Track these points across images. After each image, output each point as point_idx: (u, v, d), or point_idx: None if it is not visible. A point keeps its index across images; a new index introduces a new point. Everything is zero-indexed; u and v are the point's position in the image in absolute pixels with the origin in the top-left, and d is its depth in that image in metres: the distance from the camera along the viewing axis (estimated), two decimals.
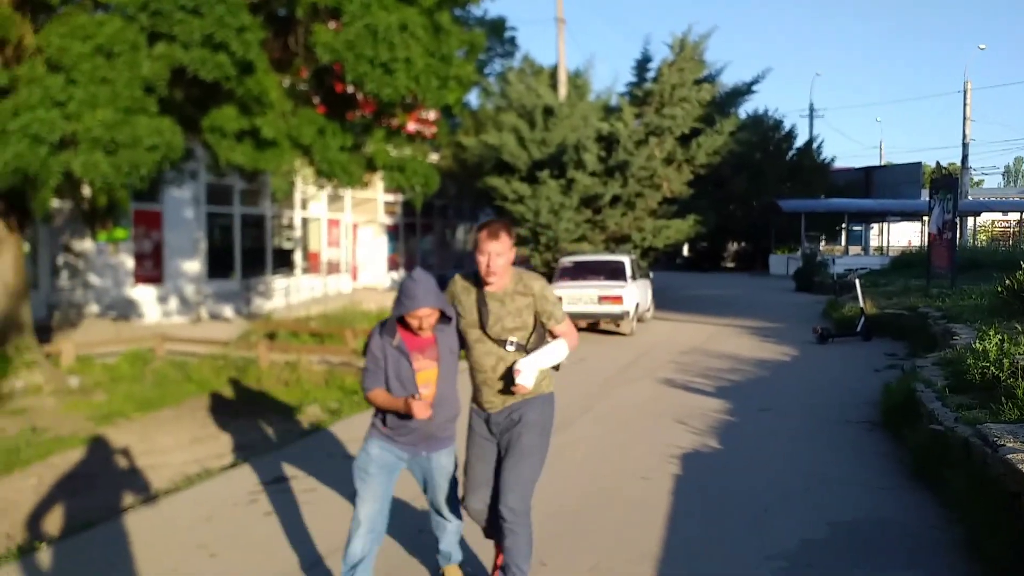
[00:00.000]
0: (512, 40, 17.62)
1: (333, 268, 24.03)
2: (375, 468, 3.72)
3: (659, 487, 5.86)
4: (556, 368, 3.85)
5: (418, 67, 8.65)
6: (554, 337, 3.74)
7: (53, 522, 6.25)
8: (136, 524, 5.46)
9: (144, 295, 17.62)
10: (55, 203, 9.75)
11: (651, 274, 17.57)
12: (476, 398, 3.84)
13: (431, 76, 8.75)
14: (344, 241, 24.53)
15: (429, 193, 10.58)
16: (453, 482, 3.95)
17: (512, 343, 3.64)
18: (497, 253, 3.53)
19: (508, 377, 3.61)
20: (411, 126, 11.55)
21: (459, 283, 3.81)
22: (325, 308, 19.22)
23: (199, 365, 12.03)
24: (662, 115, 17.75)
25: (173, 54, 7.74)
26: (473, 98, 21.08)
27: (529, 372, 3.54)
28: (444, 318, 3.64)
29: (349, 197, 24.20)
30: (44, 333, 13.19)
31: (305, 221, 22.88)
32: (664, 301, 19.77)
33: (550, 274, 16.72)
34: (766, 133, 37.26)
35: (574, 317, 14.43)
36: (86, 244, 15.98)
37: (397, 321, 3.60)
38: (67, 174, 7.79)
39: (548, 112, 18.54)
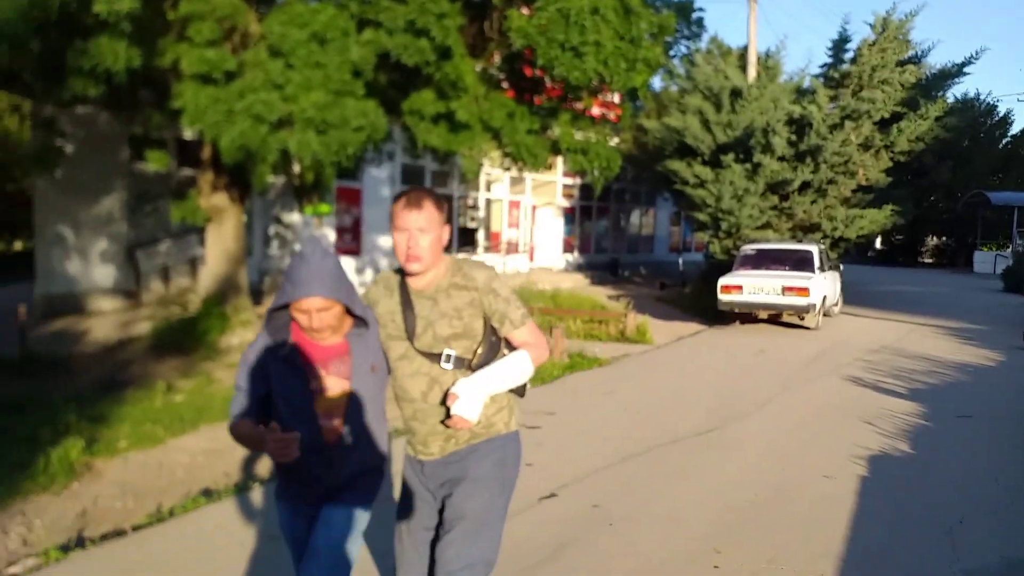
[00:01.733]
0: (699, 21, 17.17)
1: (512, 248, 24.64)
2: (297, 546, 2.68)
3: (843, 487, 5.64)
4: (520, 393, 2.78)
5: (607, 50, 8.71)
6: (512, 348, 2.70)
7: (264, 466, 6.92)
8: None
9: (344, 266, 18.92)
10: (270, 178, 10.63)
11: (841, 266, 16.67)
12: (408, 442, 2.82)
13: (619, 59, 8.77)
14: (523, 222, 25.07)
15: (610, 176, 10.63)
16: (339, 559, 2.58)
17: (449, 357, 2.61)
18: (420, 228, 2.55)
19: (445, 407, 2.61)
20: (595, 109, 11.62)
21: (380, 281, 2.81)
22: None
23: None
24: (860, 98, 16.69)
25: (379, 40, 8.24)
26: (656, 81, 20.85)
27: (471, 398, 2.52)
28: (360, 321, 2.60)
29: (529, 180, 24.70)
30: (256, 296, 14.53)
31: (488, 202, 23.60)
32: (853, 296, 18.71)
33: (730, 263, 16.28)
34: (976, 118, 34.10)
35: (752, 307, 14.23)
36: (294, 216, 17.34)
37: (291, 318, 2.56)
38: (283, 152, 8.51)
39: (736, 94, 17.97)
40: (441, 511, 2.75)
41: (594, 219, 28.51)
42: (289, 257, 17.99)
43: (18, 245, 32.06)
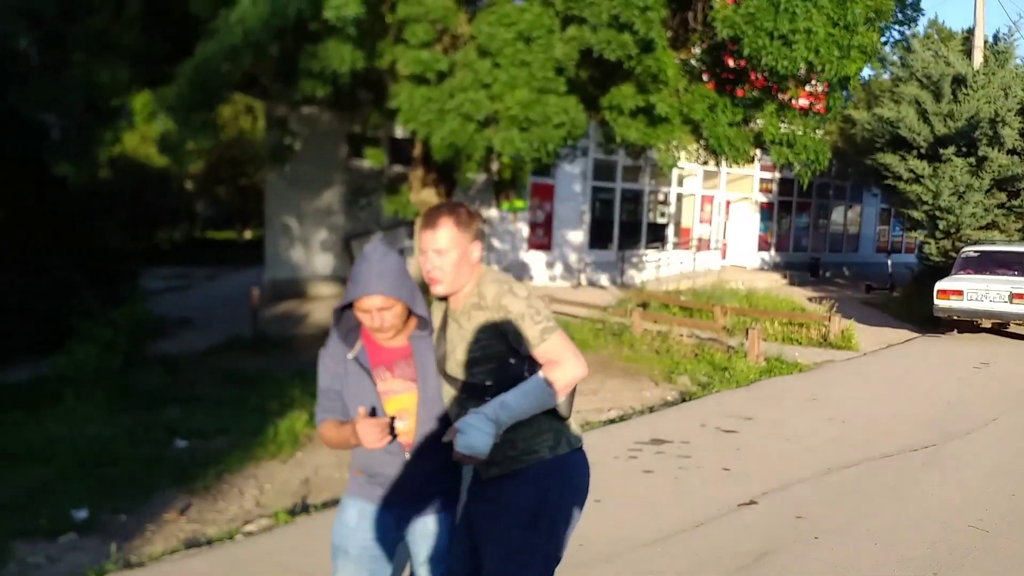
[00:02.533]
0: (915, 4, 15.89)
1: (703, 245, 24.06)
2: (355, 546, 2.61)
3: None
4: (562, 415, 2.51)
5: (819, 37, 8.29)
6: (535, 370, 2.44)
7: None
8: None
9: (534, 260, 19.36)
10: (474, 175, 11.06)
11: None
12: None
13: (832, 47, 8.32)
14: (716, 218, 24.40)
15: (819, 170, 10.11)
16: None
17: (467, 384, 2.47)
18: (437, 250, 2.41)
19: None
20: (802, 100, 11.10)
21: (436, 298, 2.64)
22: (693, 284, 19.36)
23: (580, 326, 12.94)
24: None
25: (582, 36, 8.34)
26: (865, 69, 19.52)
27: (472, 432, 2.32)
28: (420, 320, 2.55)
29: (724, 174, 23.98)
30: None
31: (680, 197, 23.19)
32: None
33: (947, 266, 14.98)
34: None
35: (973, 315, 12.99)
36: (491, 212, 17.93)
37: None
38: (487, 149, 8.83)
39: (958, 82, 16.46)
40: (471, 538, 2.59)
41: (793, 215, 27.21)
42: (485, 251, 18.63)
43: (248, 234, 35.50)
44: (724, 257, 24.76)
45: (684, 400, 8.75)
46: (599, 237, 20.76)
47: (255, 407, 7.67)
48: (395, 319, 2.45)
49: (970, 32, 18.48)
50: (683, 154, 11.08)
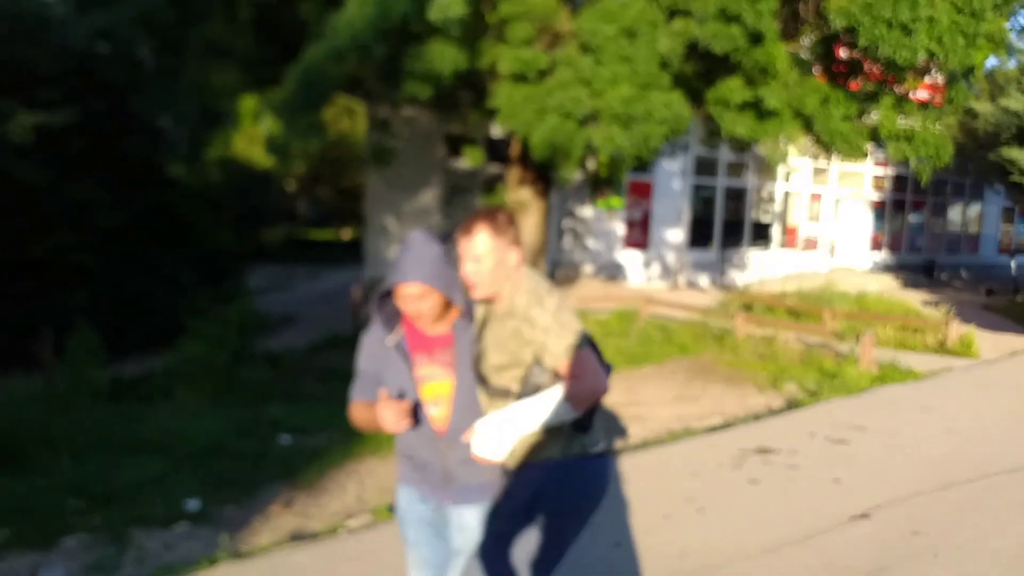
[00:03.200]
0: None
1: (810, 244, 23.15)
2: (410, 530, 2.73)
3: None
4: (582, 428, 2.57)
5: (942, 25, 7.79)
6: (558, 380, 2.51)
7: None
8: (632, 466, 5.98)
9: (631, 259, 19.06)
10: (574, 173, 10.95)
11: None
12: None
13: (956, 35, 7.80)
14: (825, 216, 23.44)
15: (940, 165, 9.52)
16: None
17: (494, 388, 2.53)
18: (475, 257, 2.46)
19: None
20: (921, 93, 10.48)
21: None
22: (799, 285, 18.64)
23: (679, 329, 12.64)
24: None
25: (688, 29, 8.11)
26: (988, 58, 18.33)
27: (490, 435, 2.44)
28: (463, 311, 2.58)
29: (835, 170, 23.01)
30: None
31: (786, 194, 22.40)
32: None
33: None
34: None
35: None
36: (587, 211, 17.78)
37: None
38: (587, 146, 8.70)
39: None
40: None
41: (907, 214, 25.88)
42: (580, 250, 18.48)
43: (346, 234, 36.48)
44: (833, 258, 23.76)
45: (791, 408, 8.39)
46: (699, 236, 20.25)
47: None
48: (432, 307, 2.48)
49: None
50: (792, 150, 10.64)
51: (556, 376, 2.49)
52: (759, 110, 8.89)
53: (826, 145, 9.41)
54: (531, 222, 11.50)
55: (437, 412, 2.55)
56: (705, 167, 19.91)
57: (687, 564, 4.30)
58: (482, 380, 2.56)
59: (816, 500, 5.34)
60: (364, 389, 2.60)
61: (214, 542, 4.80)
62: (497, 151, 15.02)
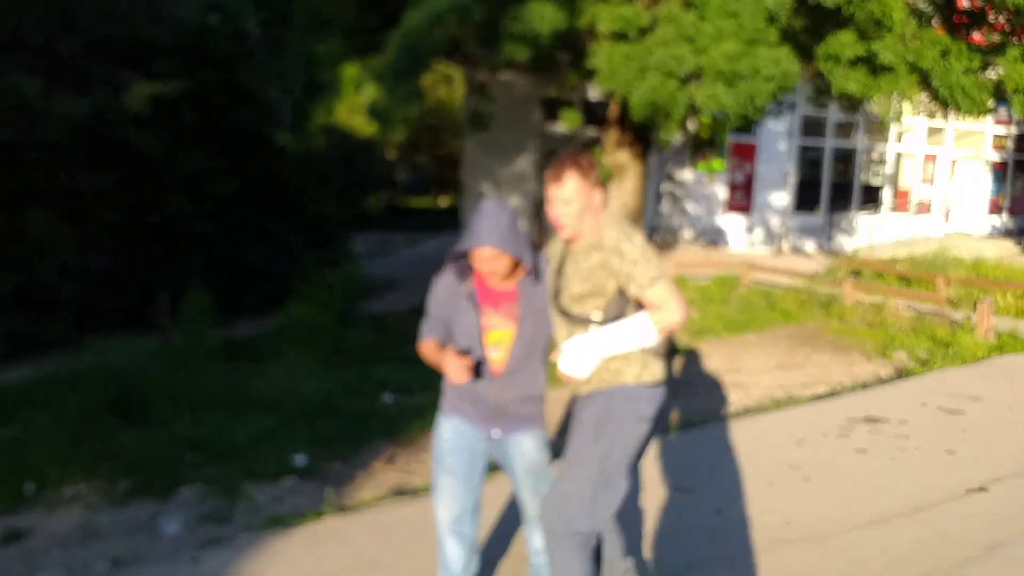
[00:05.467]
0: None
1: (923, 208, 21.98)
2: (450, 456, 2.98)
3: None
4: (664, 352, 2.83)
5: None
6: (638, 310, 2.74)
7: None
8: (734, 433, 5.88)
9: (732, 224, 18.58)
10: (675, 135, 10.71)
11: None
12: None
13: None
14: (941, 179, 22.18)
15: None
16: (542, 477, 3.01)
17: (574, 316, 2.78)
18: (564, 200, 2.72)
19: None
20: None
21: (559, 238, 2.92)
22: (911, 251, 17.77)
23: (783, 295, 12.27)
24: None
25: None
26: None
27: (574, 355, 2.71)
28: (529, 269, 2.87)
29: (951, 129, 21.68)
30: None
31: (898, 156, 21.29)
32: None
33: None
34: None
35: None
36: (686, 174, 17.40)
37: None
38: (689, 106, 8.47)
39: None
40: None
41: None
42: (679, 215, 18.11)
43: (444, 202, 36.93)
44: (948, 222, 22.52)
45: (901, 377, 8.05)
46: (805, 200, 19.53)
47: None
48: (504, 267, 2.81)
49: None
50: (907, 107, 10.07)
51: (638, 305, 2.76)
52: (872, 65, 8.42)
53: (945, 101, 8.85)
54: (629, 185, 11.34)
55: (497, 356, 2.89)
56: (812, 127, 19.12)
57: (792, 533, 4.20)
58: (562, 311, 2.82)
59: (928, 471, 5.12)
60: (434, 329, 2.95)
61: (320, 496, 5.01)
62: (594, 114, 14.82)
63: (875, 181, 21.14)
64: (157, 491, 5.00)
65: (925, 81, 8.67)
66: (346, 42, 9.54)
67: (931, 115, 10.08)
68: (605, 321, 2.75)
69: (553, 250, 2.95)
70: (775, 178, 18.85)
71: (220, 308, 8.35)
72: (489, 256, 2.75)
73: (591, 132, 15.60)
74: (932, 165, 22.01)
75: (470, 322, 2.89)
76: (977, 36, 9.60)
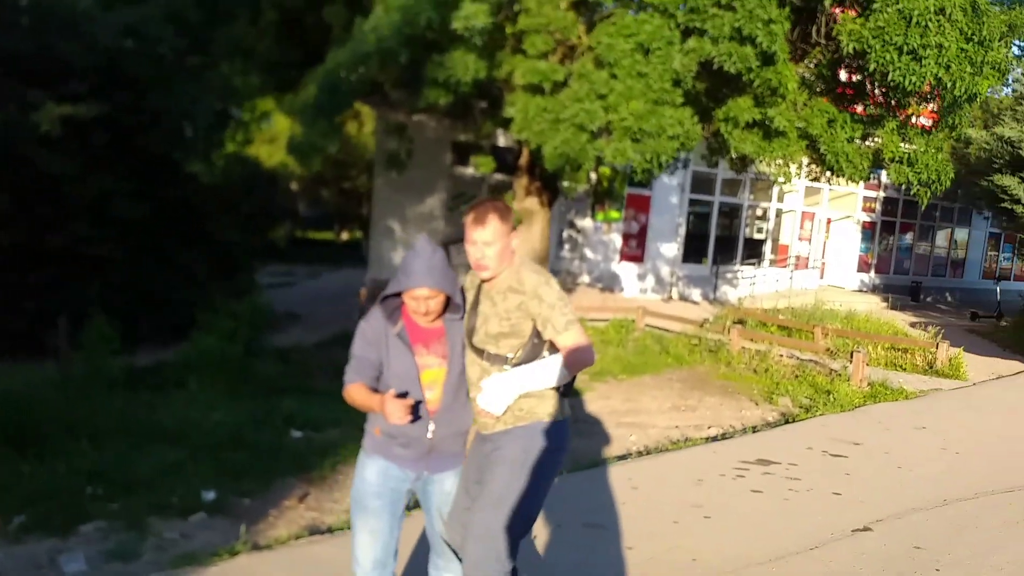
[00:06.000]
0: None
1: (801, 263, 23.44)
2: (374, 499, 2.98)
3: None
4: (565, 392, 2.99)
5: (950, 53, 8.02)
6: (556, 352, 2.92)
7: None
8: (637, 472, 6.14)
9: (626, 271, 19.25)
10: (584, 185, 11.11)
11: None
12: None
13: (964, 63, 8.04)
14: (816, 236, 23.75)
15: (941, 190, 9.76)
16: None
17: (489, 355, 2.90)
18: (485, 242, 2.83)
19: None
20: (923, 119, 10.73)
21: (472, 274, 3.05)
22: (789, 303, 18.88)
23: (675, 340, 12.83)
24: None
25: (703, 48, 8.30)
26: None
27: (494, 392, 2.83)
28: (454, 306, 2.93)
29: (827, 190, 23.32)
30: None
31: (779, 213, 22.68)
32: None
33: None
34: None
35: None
36: (586, 222, 17.97)
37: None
38: (597, 159, 8.86)
39: None
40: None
41: (896, 236, 26.24)
42: (579, 260, 18.64)
43: (345, 235, 36.57)
44: (822, 277, 24.07)
45: (787, 422, 8.57)
46: (693, 251, 20.48)
47: None
48: (438, 306, 2.87)
49: None
50: (794, 169, 10.85)
51: (551, 346, 2.92)
52: (767, 129, 9.09)
53: (830, 166, 9.63)
54: (536, 230, 11.66)
55: (431, 395, 2.92)
56: (702, 183, 20.14)
57: (698, 570, 4.44)
58: (477, 349, 2.92)
59: (818, 512, 5.50)
60: (362, 372, 2.91)
61: (231, 533, 4.91)
62: (503, 159, 15.18)
63: (758, 236, 22.42)
64: (56, 526, 4.79)
65: (813, 146, 9.42)
66: (265, 76, 9.51)
67: (815, 178, 10.88)
68: (521, 361, 2.89)
69: (468, 285, 3.06)
70: (667, 230, 19.69)
71: (120, 335, 8.03)
72: (426, 295, 2.81)
73: (499, 176, 15.99)
74: (809, 223, 23.56)
75: (405, 362, 2.89)
76: (859, 108, 10.49)
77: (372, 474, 2.97)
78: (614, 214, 17.57)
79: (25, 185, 9.12)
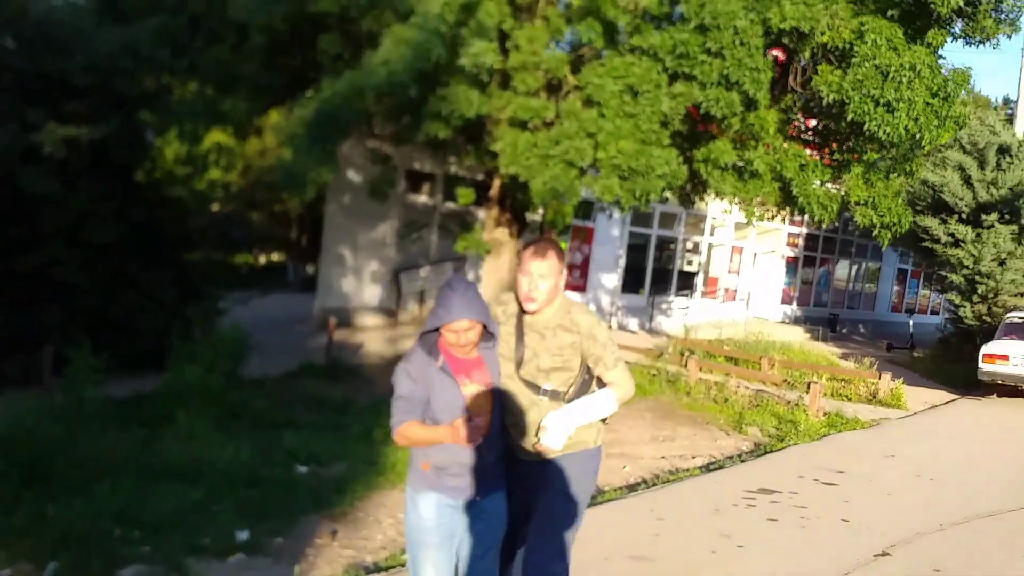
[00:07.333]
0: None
1: (729, 294, 24.34)
2: (433, 535, 3.02)
3: None
4: (604, 421, 3.22)
5: (918, 106, 8.64)
6: (602, 386, 3.14)
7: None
8: (653, 502, 6.29)
9: None
10: (569, 219, 11.29)
11: None
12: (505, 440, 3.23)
13: (931, 115, 8.67)
14: (744, 269, 24.72)
15: (900, 232, 10.42)
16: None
17: (546, 390, 3.07)
18: (541, 275, 2.99)
19: (537, 428, 3.08)
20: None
21: (501, 303, 3.23)
22: (720, 333, 19.57)
23: (634, 371, 13.08)
24: None
25: (691, 92, 8.64)
26: None
27: (558, 430, 3.00)
28: (488, 335, 3.04)
29: (754, 227, 24.32)
30: None
31: (710, 247, 23.52)
32: None
33: (992, 330, 15.24)
34: None
35: (1019, 380, 13.20)
36: None
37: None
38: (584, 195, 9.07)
39: (1003, 151, 16.94)
40: (523, 507, 3.15)
41: (816, 270, 27.57)
42: None
43: (263, 259, 35.54)
44: (748, 308, 25.03)
45: (765, 451, 8.90)
46: (632, 282, 21.01)
47: (360, 435, 7.78)
48: (476, 337, 2.98)
49: (1008, 102, 19.03)
50: (760, 210, 11.36)
51: (599, 381, 3.13)
52: (742, 171, 9.53)
53: (802, 208, 10.14)
54: (504, 261, 11.76)
55: (481, 420, 2.97)
56: (641, 217, 20.66)
57: None
58: (527, 383, 3.07)
59: (836, 539, 5.76)
60: (412, 411, 2.97)
61: (275, 573, 4.79)
62: (453, 190, 15.26)
63: (690, 268, 23.17)
64: (95, 572, 4.54)
65: (786, 188, 9.92)
66: (252, 100, 9.34)
67: (783, 219, 11.44)
68: (574, 396, 3.07)
69: (497, 316, 3.15)
70: (608, 261, 20.15)
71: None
72: (466, 327, 2.92)
73: (450, 205, 16.07)
74: (738, 257, 24.51)
75: (452, 394, 2.98)
76: (827, 154, 11.12)
77: (428, 509, 3.01)
78: (561, 244, 17.85)
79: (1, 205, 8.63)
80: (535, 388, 3.07)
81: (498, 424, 3.07)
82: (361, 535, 5.61)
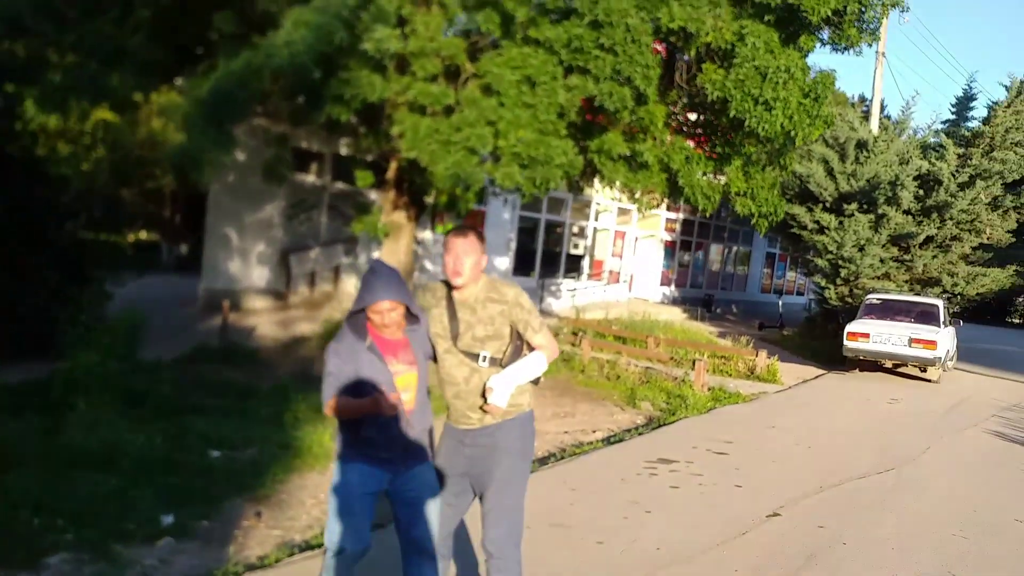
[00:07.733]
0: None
1: (613, 277, 25.26)
2: (357, 501, 3.27)
3: None
4: (535, 382, 3.55)
5: (792, 105, 9.35)
6: (531, 349, 3.47)
7: None
8: (565, 474, 6.66)
9: None
10: (472, 204, 11.45)
11: (961, 322, 16.81)
12: (449, 415, 3.55)
13: (804, 114, 9.41)
14: (627, 253, 25.69)
15: (775, 221, 11.22)
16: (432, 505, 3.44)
17: (484, 356, 3.38)
18: (464, 252, 3.32)
19: (483, 393, 3.37)
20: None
21: (429, 290, 3.56)
22: (606, 313, 20.34)
23: None
24: (992, 158, 16.96)
25: (585, 85, 9.01)
26: None
27: (502, 390, 3.31)
28: (412, 316, 3.33)
29: (636, 212, 25.30)
30: None
31: (595, 231, 24.30)
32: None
33: (854, 310, 16.56)
34: None
35: (879, 356, 14.51)
36: (426, 234, 18.29)
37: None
38: (488, 181, 9.30)
39: (861, 146, 18.37)
40: (468, 476, 3.50)
41: (692, 254, 28.96)
42: (418, 272, 18.90)
43: (132, 237, 33.85)
44: (630, 290, 26.06)
45: (659, 425, 9.45)
46: (522, 264, 21.50)
47: (270, 419, 7.78)
48: (400, 317, 3.25)
49: (863, 100, 20.59)
50: (647, 198, 11.92)
51: (528, 345, 3.46)
52: (633, 162, 10.02)
53: (687, 198, 10.76)
54: (403, 244, 11.87)
55: (407, 397, 3.30)
56: (530, 202, 21.15)
57: (666, 556, 5.02)
58: (465, 352, 3.37)
59: (732, 502, 6.29)
60: (342, 387, 3.22)
61: (208, 555, 4.84)
62: (345, 172, 15.14)
63: (576, 252, 23.90)
64: (20, 561, 4.46)
65: (672, 179, 10.50)
66: (139, 77, 8.99)
67: (670, 207, 12.06)
68: (510, 360, 3.40)
69: (428, 300, 3.49)
70: (499, 244, 20.51)
71: None
72: (388, 308, 3.18)
73: (340, 186, 15.97)
74: (621, 241, 25.45)
75: (380, 372, 3.23)
76: (709, 147, 11.79)
77: (354, 477, 3.26)
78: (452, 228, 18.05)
79: None
80: (474, 357, 3.37)
81: (423, 399, 3.39)
82: (287, 516, 5.69)
